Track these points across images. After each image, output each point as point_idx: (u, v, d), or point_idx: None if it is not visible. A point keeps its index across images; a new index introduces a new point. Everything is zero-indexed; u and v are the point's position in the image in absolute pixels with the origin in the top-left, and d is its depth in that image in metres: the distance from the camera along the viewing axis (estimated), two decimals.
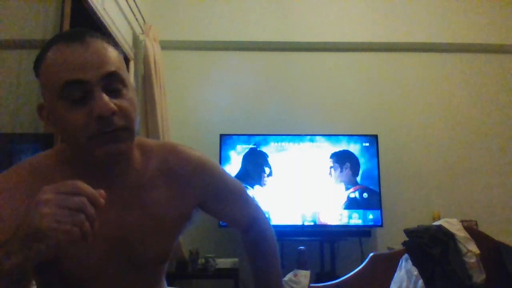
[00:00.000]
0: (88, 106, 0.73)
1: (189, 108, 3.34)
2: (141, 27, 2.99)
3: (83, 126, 0.73)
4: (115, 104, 0.75)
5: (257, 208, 1.09)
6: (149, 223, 0.87)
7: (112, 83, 0.76)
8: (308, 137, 3.06)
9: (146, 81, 2.92)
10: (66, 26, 1.92)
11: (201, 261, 2.81)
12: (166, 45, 3.23)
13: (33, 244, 0.62)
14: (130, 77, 2.92)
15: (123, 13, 2.74)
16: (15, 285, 0.66)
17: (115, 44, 0.82)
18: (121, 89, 0.77)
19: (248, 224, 1.06)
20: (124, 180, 0.85)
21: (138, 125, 0.81)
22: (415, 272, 2.18)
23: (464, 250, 2.20)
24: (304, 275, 2.45)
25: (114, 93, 0.76)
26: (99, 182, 0.81)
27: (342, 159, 3.02)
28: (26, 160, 0.85)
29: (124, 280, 0.87)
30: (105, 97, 0.74)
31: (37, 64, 0.78)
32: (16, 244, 0.62)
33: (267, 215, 1.13)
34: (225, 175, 1.02)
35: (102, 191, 0.66)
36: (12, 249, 0.62)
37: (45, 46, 0.78)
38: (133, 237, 0.85)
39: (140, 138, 0.93)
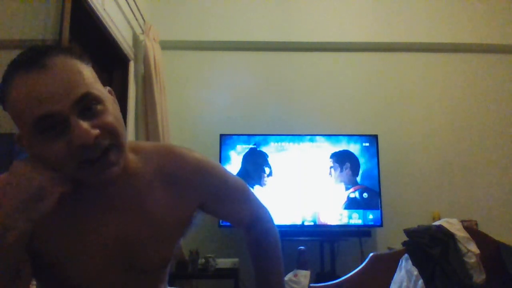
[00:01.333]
0: (67, 136, 0.69)
1: (189, 108, 3.34)
2: (141, 27, 2.99)
3: (67, 158, 0.70)
4: (96, 124, 0.71)
5: (260, 207, 1.07)
6: (149, 228, 0.85)
7: (87, 104, 0.71)
8: (308, 137, 3.06)
9: (146, 81, 2.92)
10: (66, 26, 1.92)
11: (201, 261, 2.81)
12: (166, 45, 3.23)
13: (35, 204, 0.69)
14: (131, 77, 2.92)
15: (123, 13, 2.74)
16: (13, 270, 0.71)
17: (82, 56, 0.75)
18: (98, 107, 0.72)
19: (250, 223, 1.05)
20: (121, 185, 0.83)
21: (126, 139, 0.78)
22: (415, 272, 2.18)
23: (464, 250, 2.20)
24: (304, 275, 2.45)
25: (92, 113, 0.72)
26: (96, 188, 0.81)
27: (342, 159, 3.02)
28: None
29: (124, 286, 0.86)
30: (83, 124, 0.69)
31: (2, 98, 0.72)
32: (16, 213, 0.68)
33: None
34: (225, 174, 0.99)
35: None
36: (11, 220, 0.68)
37: (5, 77, 0.72)
38: (133, 243, 0.84)
39: (134, 141, 0.92)
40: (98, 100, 0.72)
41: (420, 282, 2.14)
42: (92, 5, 2.23)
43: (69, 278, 0.81)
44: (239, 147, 3.04)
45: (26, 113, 0.68)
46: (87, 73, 0.73)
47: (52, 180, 0.71)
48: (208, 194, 0.94)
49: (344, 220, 2.93)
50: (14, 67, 0.71)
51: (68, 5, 1.95)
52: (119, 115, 0.77)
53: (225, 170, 1.01)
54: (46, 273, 0.82)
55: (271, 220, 1.08)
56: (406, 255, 2.30)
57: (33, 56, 0.70)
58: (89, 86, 0.72)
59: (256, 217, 1.05)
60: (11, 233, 0.68)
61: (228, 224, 2.86)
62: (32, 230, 0.72)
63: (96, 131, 0.70)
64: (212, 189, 0.94)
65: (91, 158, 0.71)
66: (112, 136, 0.73)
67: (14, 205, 0.68)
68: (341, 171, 3.00)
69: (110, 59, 2.77)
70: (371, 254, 2.48)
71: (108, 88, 0.81)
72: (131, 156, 0.85)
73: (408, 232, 2.31)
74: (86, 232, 0.81)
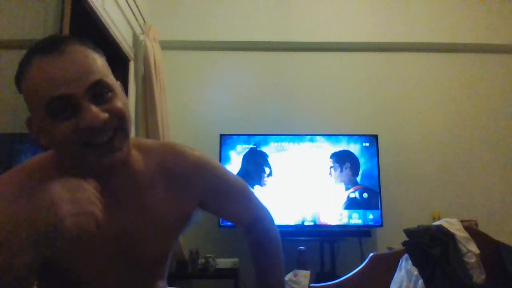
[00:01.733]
0: (77, 118, 0.71)
1: (189, 108, 3.34)
2: (141, 27, 2.99)
3: (72, 138, 0.71)
4: (105, 109, 0.73)
5: (260, 207, 1.07)
6: (149, 224, 0.86)
7: (99, 91, 0.73)
8: (308, 137, 3.06)
9: (146, 81, 2.92)
10: (66, 26, 1.92)
11: (201, 261, 2.81)
12: (166, 45, 3.23)
13: (47, 241, 0.64)
14: (131, 77, 2.93)
15: (123, 13, 2.74)
16: (23, 281, 0.67)
17: (96, 48, 0.79)
18: (110, 94, 0.75)
19: (250, 223, 1.05)
20: (123, 181, 0.84)
21: (131, 127, 0.80)
22: (415, 272, 2.18)
23: (464, 250, 2.20)
24: (304, 275, 2.45)
25: (103, 99, 0.74)
26: (98, 180, 0.81)
27: (342, 159, 3.02)
28: (24, 163, 0.84)
29: (124, 281, 0.86)
30: (94, 109, 0.71)
31: (18, 81, 0.75)
32: (27, 244, 0.63)
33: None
34: (226, 173, 1.00)
35: (97, 184, 0.71)
36: (21, 248, 0.63)
37: (23, 60, 0.75)
38: (133, 238, 0.85)
39: (138, 138, 0.93)
40: (109, 88, 0.75)
41: (420, 282, 2.14)
42: (92, 5, 2.23)
43: (70, 275, 0.81)
44: (239, 147, 3.04)
45: (40, 94, 0.70)
46: (101, 62, 0.77)
47: (72, 220, 0.66)
48: (208, 192, 0.95)
49: (344, 220, 2.92)
50: (32, 52, 0.74)
51: (68, 5, 1.95)
52: (128, 104, 0.80)
53: (226, 170, 1.03)
54: (47, 270, 0.82)
55: (271, 220, 1.09)
56: (406, 255, 2.30)
57: (51, 42, 0.74)
58: (102, 74, 0.74)
59: (256, 217, 1.06)
60: (18, 259, 0.63)
61: (228, 224, 2.86)
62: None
63: (105, 115, 0.72)
64: (212, 187, 0.95)
65: (97, 142, 0.73)
66: (120, 121, 0.76)
67: (30, 234, 0.63)
68: (341, 171, 3.00)
69: (110, 59, 2.72)
70: (371, 254, 2.48)
71: (118, 82, 0.83)
72: (134, 153, 0.86)
73: (408, 232, 2.31)
74: None
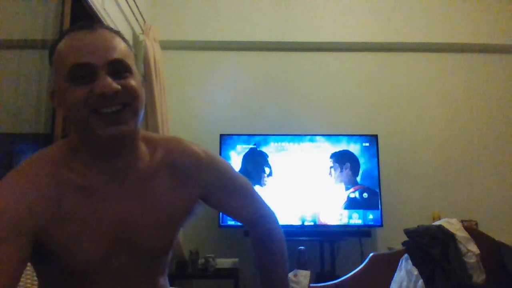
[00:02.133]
0: (91, 85, 0.77)
1: (189, 108, 3.34)
2: (141, 27, 2.99)
3: (84, 100, 0.76)
4: (119, 83, 0.78)
5: (264, 206, 1.08)
6: (152, 214, 0.88)
7: (118, 68, 0.79)
8: (308, 137, 3.06)
9: (146, 81, 2.92)
10: (66, 26, 1.93)
11: (201, 261, 2.81)
12: (166, 45, 3.23)
13: None
14: None
15: (123, 13, 2.74)
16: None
17: (125, 38, 0.86)
18: (127, 74, 0.81)
19: (254, 221, 1.06)
20: (130, 171, 0.86)
21: (142, 111, 0.84)
22: (415, 272, 2.18)
23: (464, 250, 2.20)
24: (304, 275, 2.45)
25: (120, 76, 0.79)
26: (105, 172, 0.84)
27: (342, 159, 3.02)
28: (40, 151, 0.86)
29: (126, 271, 0.87)
30: (109, 79, 0.77)
31: (51, 53, 0.83)
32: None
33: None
34: (230, 170, 1.02)
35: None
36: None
37: (58, 37, 0.83)
38: (136, 228, 0.86)
39: (146, 131, 0.96)
40: (128, 69, 0.81)
41: (420, 282, 2.14)
42: (92, 5, 2.23)
43: (71, 264, 0.81)
44: (239, 147, 3.04)
45: (66, 60, 0.78)
46: (125, 47, 0.84)
47: None
48: (210, 186, 0.97)
49: (344, 220, 2.93)
50: (67, 30, 0.84)
51: (68, 5, 1.96)
52: (143, 89, 0.85)
53: (231, 167, 1.05)
54: (47, 261, 0.82)
55: (275, 220, 1.09)
56: (406, 255, 2.30)
57: (85, 23, 0.83)
58: (124, 56, 0.81)
59: (260, 216, 1.06)
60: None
61: (228, 224, 2.86)
62: (34, 222, 0.75)
63: (117, 86, 0.78)
64: (214, 181, 0.98)
65: (105, 111, 0.77)
66: (131, 98, 0.80)
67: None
68: (341, 171, 3.01)
69: None
70: (371, 254, 2.48)
71: (142, 78, 0.88)
72: (141, 145, 0.90)
73: (408, 232, 2.31)
74: (91, 216, 0.82)
